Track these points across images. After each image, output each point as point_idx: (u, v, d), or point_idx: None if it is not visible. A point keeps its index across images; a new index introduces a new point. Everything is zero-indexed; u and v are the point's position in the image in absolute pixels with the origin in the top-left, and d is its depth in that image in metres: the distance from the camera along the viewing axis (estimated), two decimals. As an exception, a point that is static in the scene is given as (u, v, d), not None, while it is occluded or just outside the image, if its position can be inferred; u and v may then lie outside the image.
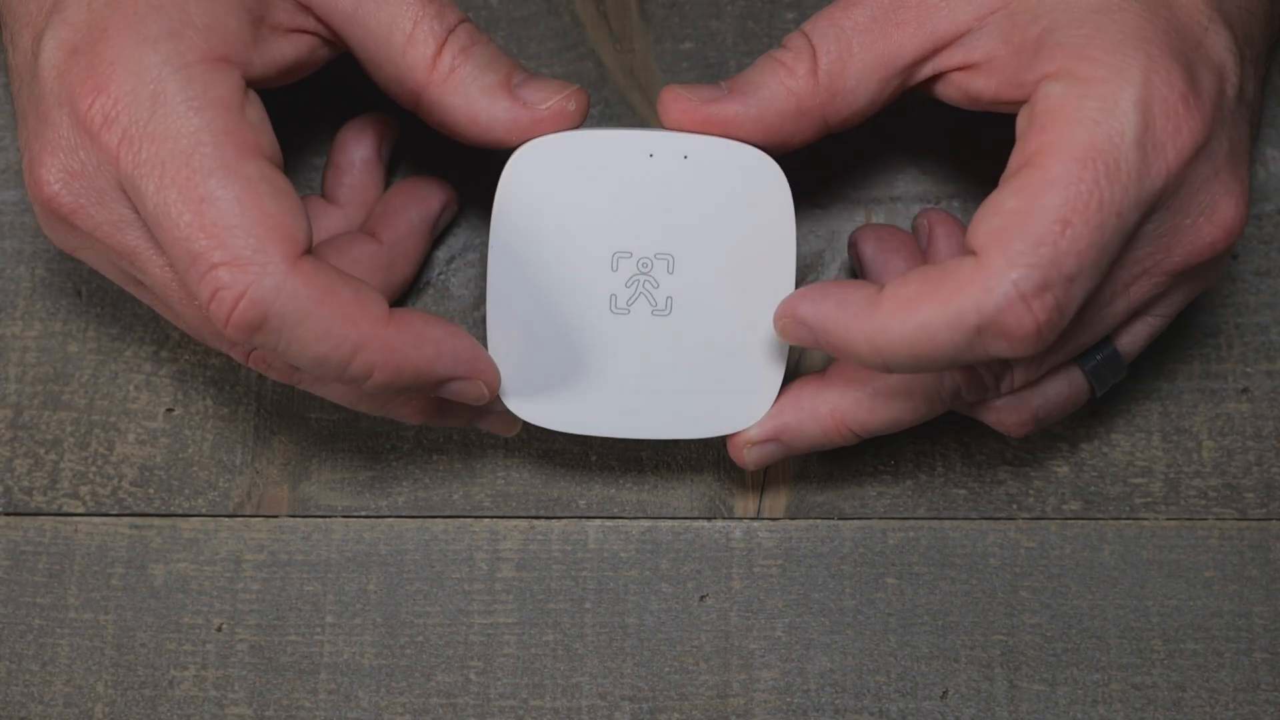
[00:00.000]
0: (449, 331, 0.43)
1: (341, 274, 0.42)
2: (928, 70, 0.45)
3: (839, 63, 0.45)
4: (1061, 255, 0.40)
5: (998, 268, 0.41)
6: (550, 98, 0.45)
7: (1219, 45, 0.43)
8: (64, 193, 0.43)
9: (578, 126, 0.46)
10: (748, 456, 0.47)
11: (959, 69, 0.45)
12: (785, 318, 0.45)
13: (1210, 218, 0.43)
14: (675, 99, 0.45)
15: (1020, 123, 0.43)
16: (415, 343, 0.42)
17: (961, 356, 0.42)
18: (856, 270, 0.50)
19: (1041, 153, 0.41)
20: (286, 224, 0.40)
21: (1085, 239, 0.41)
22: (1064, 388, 0.47)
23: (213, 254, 0.40)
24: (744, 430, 0.47)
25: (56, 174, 0.43)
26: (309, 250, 0.41)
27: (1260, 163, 0.53)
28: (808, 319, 0.44)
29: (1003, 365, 0.45)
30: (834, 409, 0.46)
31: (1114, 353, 0.46)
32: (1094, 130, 0.41)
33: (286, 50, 0.44)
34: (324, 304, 0.41)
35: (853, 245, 0.49)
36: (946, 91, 0.46)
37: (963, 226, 0.48)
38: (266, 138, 0.42)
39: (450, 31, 0.45)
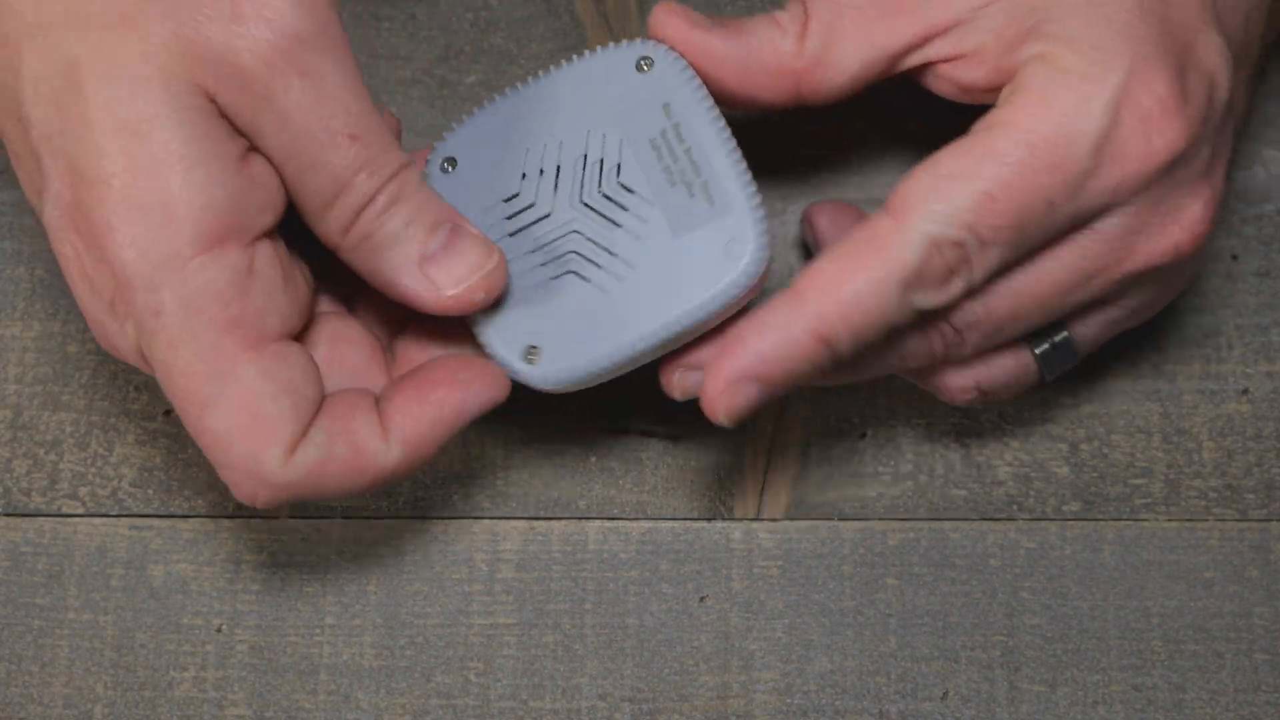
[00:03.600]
0: (439, 407, 0.43)
1: (333, 431, 0.42)
2: (916, 59, 0.45)
3: (827, 35, 0.45)
4: (978, 223, 0.42)
5: (914, 226, 0.42)
6: (460, 283, 0.43)
7: (1212, 51, 0.43)
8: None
9: (489, 306, 0.44)
10: (722, 406, 0.43)
11: (948, 60, 0.45)
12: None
13: (1177, 219, 0.44)
14: (667, 15, 0.45)
15: (1001, 97, 0.43)
16: (420, 445, 0.43)
17: (894, 316, 0.43)
18: (811, 246, 0.50)
19: (1000, 124, 0.42)
20: (283, 424, 0.41)
21: (1006, 217, 0.42)
22: (1009, 362, 0.47)
23: (216, 457, 0.42)
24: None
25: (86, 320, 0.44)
26: (315, 411, 0.42)
27: (1260, 163, 0.53)
28: (747, 369, 0.42)
29: (956, 333, 0.45)
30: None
31: (1066, 340, 0.46)
32: (1058, 124, 0.42)
33: (274, 173, 0.42)
34: (327, 477, 0.42)
35: (807, 220, 0.50)
36: (935, 83, 0.46)
37: (847, 208, 0.49)
38: (274, 312, 0.42)
39: (378, 190, 0.42)
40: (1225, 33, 0.44)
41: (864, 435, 0.51)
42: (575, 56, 0.46)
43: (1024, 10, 0.43)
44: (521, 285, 0.45)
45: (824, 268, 0.42)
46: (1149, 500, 0.51)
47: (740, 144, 0.45)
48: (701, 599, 0.50)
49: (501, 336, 0.45)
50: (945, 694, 0.49)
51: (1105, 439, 0.51)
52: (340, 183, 0.42)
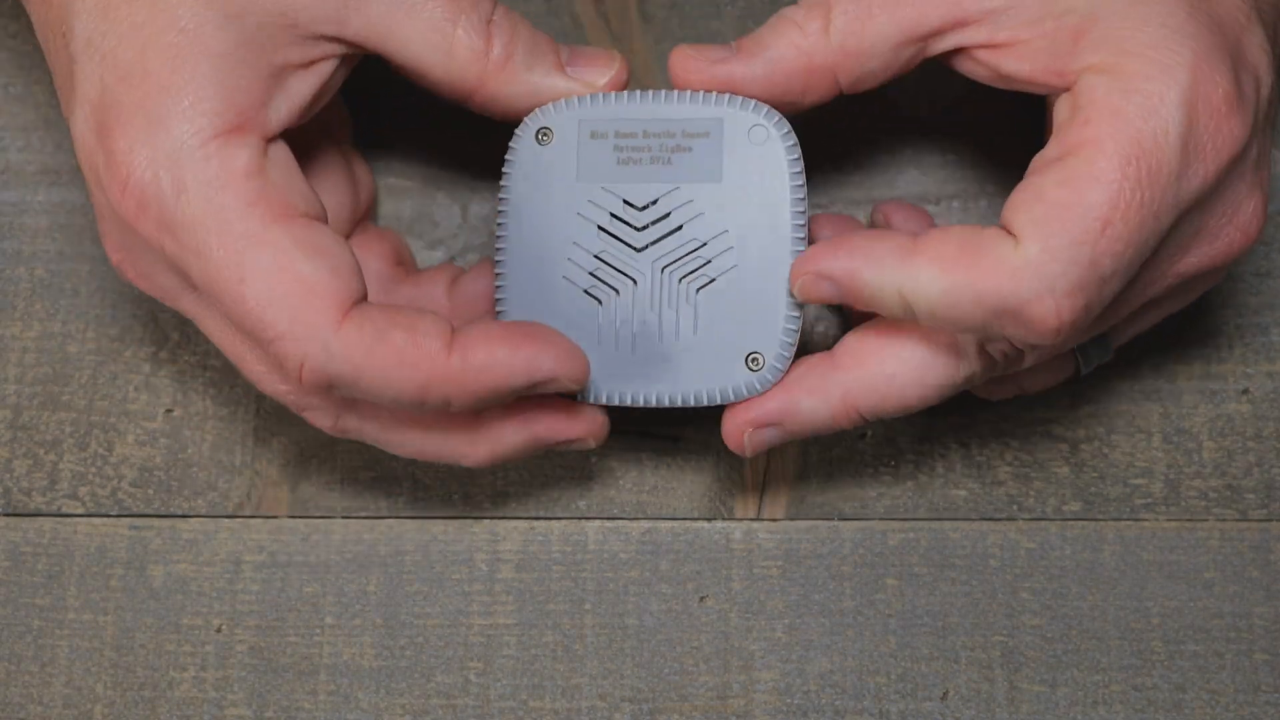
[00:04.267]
0: (515, 346, 0.43)
1: (394, 316, 0.42)
2: (949, 43, 0.44)
3: (857, 21, 0.44)
4: (1099, 256, 0.41)
5: (1035, 260, 0.41)
6: (604, 72, 0.46)
7: (1254, 45, 0.43)
8: (125, 264, 0.45)
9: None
10: (747, 442, 0.45)
11: (984, 46, 0.44)
12: (805, 274, 0.44)
13: (1232, 219, 0.43)
14: (684, 59, 0.45)
15: (1060, 112, 0.43)
16: (482, 369, 0.43)
17: (976, 329, 0.42)
18: None
19: (1086, 145, 0.41)
20: (325, 285, 0.42)
21: (1124, 240, 0.41)
22: (1052, 360, 0.47)
23: (264, 331, 0.42)
24: (744, 414, 0.45)
25: (115, 246, 0.45)
26: (360, 297, 0.42)
27: (1261, 163, 0.53)
28: (832, 273, 0.43)
29: (1018, 351, 0.45)
30: (846, 392, 0.44)
31: (1103, 336, 0.46)
32: (1140, 128, 0.41)
33: (304, 88, 0.44)
34: (376, 355, 0.42)
35: (882, 216, 0.49)
36: (970, 67, 0.45)
37: (921, 213, 0.49)
38: (297, 193, 0.43)
39: (489, 22, 0.45)
40: (1265, 25, 0.43)
41: (864, 435, 0.51)
42: (502, 184, 0.46)
43: (1064, 4, 0.43)
44: (686, 332, 0.46)
45: (940, 243, 0.43)
46: (1149, 500, 0.51)
47: None
48: (701, 599, 0.50)
49: (718, 365, 0.46)
50: (945, 694, 0.49)
51: (1105, 439, 0.51)
52: (454, 9, 0.44)
